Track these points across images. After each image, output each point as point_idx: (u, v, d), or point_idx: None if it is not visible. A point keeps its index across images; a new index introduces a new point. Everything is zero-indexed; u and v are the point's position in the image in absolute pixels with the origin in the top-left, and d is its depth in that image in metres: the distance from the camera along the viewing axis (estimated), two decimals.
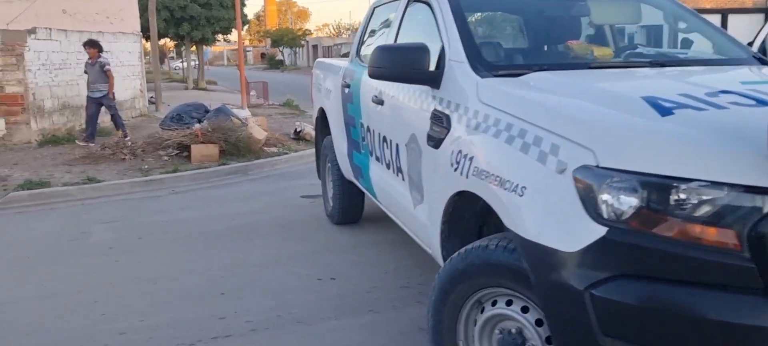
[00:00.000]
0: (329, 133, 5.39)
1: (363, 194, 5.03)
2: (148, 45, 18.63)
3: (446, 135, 2.54)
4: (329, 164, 5.23)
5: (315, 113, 5.73)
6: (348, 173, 4.62)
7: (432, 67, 2.78)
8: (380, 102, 3.50)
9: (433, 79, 2.78)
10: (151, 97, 15.92)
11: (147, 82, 15.70)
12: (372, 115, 3.68)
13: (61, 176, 7.62)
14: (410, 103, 3.03)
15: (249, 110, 11.39)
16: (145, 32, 16.38)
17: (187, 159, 8.56)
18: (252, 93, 17.26)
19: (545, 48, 3.22)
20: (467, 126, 2.39)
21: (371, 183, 3.82)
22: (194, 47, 26.58)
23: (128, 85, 13.44)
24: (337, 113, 4.72)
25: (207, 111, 9.90)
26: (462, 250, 2.27)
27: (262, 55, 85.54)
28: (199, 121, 9.57)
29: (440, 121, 2.62)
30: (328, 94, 5.01)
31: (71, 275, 4.22)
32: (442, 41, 2.89)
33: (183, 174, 7.71)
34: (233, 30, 25.82)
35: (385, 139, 3.42)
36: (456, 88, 2.61)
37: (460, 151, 2.35)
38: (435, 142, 2.64)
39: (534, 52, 3.15)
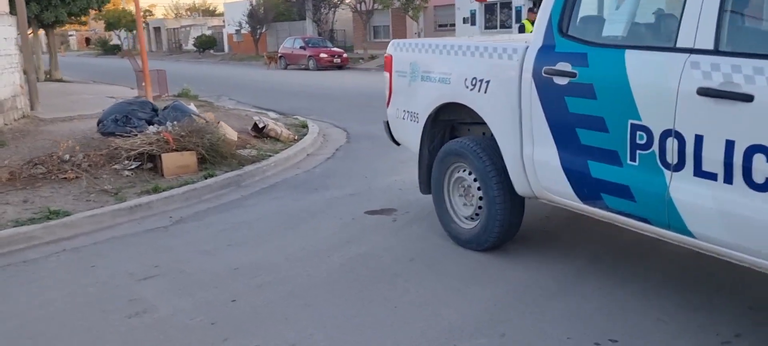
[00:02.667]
0: (452, 137, 4.27)
1: (523, 212, 3.98)
2: None
3: None
4: (472, 176, 4.07)
5: (413, 113, 4.51)
6: (543, 187, 3.53)
7: None
8: (738, 96, 2.48)
9: None
10: None
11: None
12: (698, 116, 2.65)
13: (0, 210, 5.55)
14: None
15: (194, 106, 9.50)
16: None
17: (152, 172, 6.77)
18: (144, 83, 14.86)
19: None
20: None
21: (682, 211, 2.78)
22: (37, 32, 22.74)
23: (7, 80, 10.70)
24: (516, 111, 3.59)
25: (154, 109, 7.98)
26: None
27: (87, 39, 77.30)
28: (150, 123, 7.68)
29: None
30: (478, 86, 3.84)
31: None
32: None
33: (172, 193, 6.00)
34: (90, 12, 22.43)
35: None
36: None
37: None
38: None
39: None
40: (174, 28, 57.16)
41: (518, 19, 24.36)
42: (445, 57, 4.17)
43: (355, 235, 4.70)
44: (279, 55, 28.63)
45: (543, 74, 3.38)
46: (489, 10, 25.89)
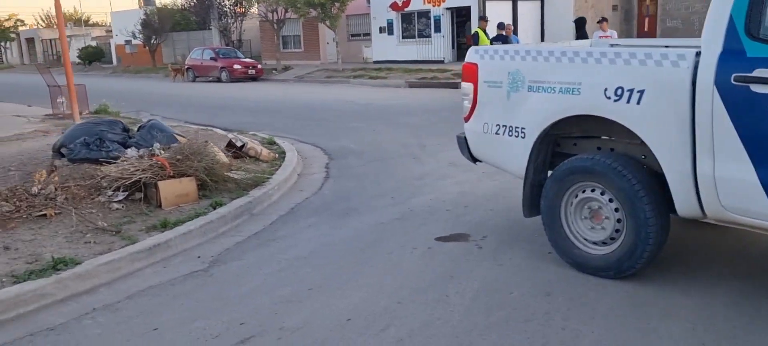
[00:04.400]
0: (566, 156, 3.90)
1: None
2: None
3: None
4: (606, 196, 3.66)
5: (515, 127, 4.06)
6: (726, 206, 3.20)
7: None
8: None
9: None
10: None
11: None
12: None
13: None
14: None
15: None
16: None
17: (143, 203, 5.80)
18: (60, 100, 13.25)
19: None
20: None
21: None
22: None
23: None
24: (686, 124, 3.24)
25: (125, 129, 6.92)
26: None
27: None
28: (124, 145, 6.63)
29: None
30: (626, 97, 3.44)
31: None
32: None
33: (189, 228, 5.11)
34: None
35: None
36: None
37: None
38: None
39: None
40: (50, 39, 52.58)
41: (437, 29, 24.55)
42: (568, 64, 3.74)
43: (450, 267, 4.14)
44: (186, 66, 26.91)
45: (733, 82, 3.04)
46: (406, 19, 25.84)
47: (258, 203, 6.07)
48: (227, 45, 30.47)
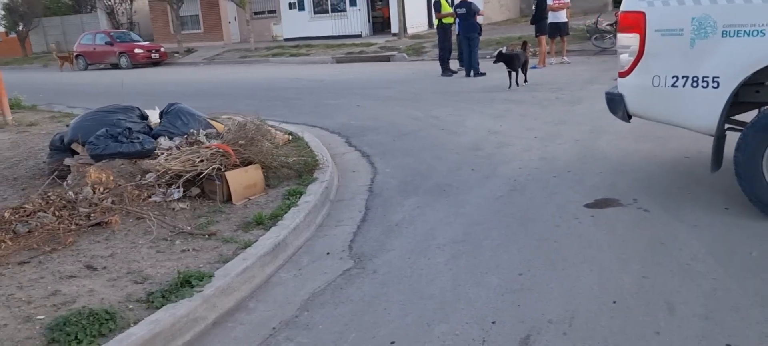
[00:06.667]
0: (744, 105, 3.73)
1: None
2: None
3: None
4: None
5: (705, 77, 3.79)
6: None
7: None
8: None
9: None
10: None
11: None
12: None
13: (69, 289, 3.47)
14: None
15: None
16: None
17: (202, 199, 4.96)
18: None
19: None
20: None
21: None
22: None
23: None
24: None
25: (143, 116, 5.86)
26: None
27: None
28: (151, 135, 5.61)
29: None
30: None
31: None
32: None
33: (295, 223, 4.37)
34: None
35: None
36: None
37: None
38: None
39: None
40: None
41: (353, 2, 23.90)
42: None
43: (642, 235, 3.80)
44: (76, 53, 24.24)
45: None
46: None
47: (327, 189, 5.37)
48: (116, 28, 27.85)
